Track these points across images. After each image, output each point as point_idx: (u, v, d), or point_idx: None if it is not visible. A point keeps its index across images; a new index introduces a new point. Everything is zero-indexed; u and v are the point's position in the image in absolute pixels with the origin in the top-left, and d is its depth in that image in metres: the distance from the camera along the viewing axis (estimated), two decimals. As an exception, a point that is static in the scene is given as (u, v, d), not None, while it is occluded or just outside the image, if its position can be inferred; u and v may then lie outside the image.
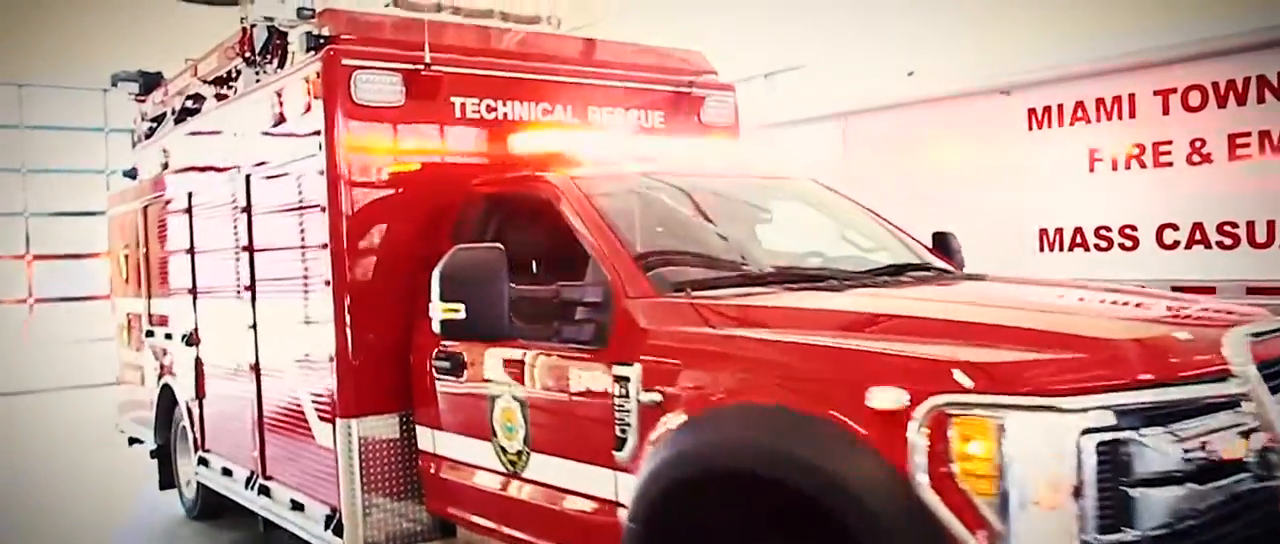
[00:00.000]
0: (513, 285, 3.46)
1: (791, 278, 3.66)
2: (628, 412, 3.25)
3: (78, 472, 8.92)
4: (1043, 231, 6.99)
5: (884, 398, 2.45)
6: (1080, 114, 6.62)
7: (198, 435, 6.30)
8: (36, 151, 10.92)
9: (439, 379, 4.24)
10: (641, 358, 3.22)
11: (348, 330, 4.47)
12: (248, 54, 6.18)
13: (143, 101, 8.06)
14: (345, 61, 4.52)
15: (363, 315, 4.48)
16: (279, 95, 4.95)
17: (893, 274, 3.90)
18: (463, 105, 4.81)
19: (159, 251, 6.95)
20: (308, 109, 4.68)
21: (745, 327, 3.11)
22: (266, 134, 5.13)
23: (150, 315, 7.14)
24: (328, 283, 4.51)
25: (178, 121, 7.24)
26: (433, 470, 4.37)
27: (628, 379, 3.25)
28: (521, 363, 3.74)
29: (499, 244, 3.50)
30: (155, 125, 7.84)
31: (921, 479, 2.34)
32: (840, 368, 2.71)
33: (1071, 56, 6.77)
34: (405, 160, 4.66)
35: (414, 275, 4.48)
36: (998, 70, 7.18)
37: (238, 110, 5.65)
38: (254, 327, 5.36)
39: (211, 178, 5.96)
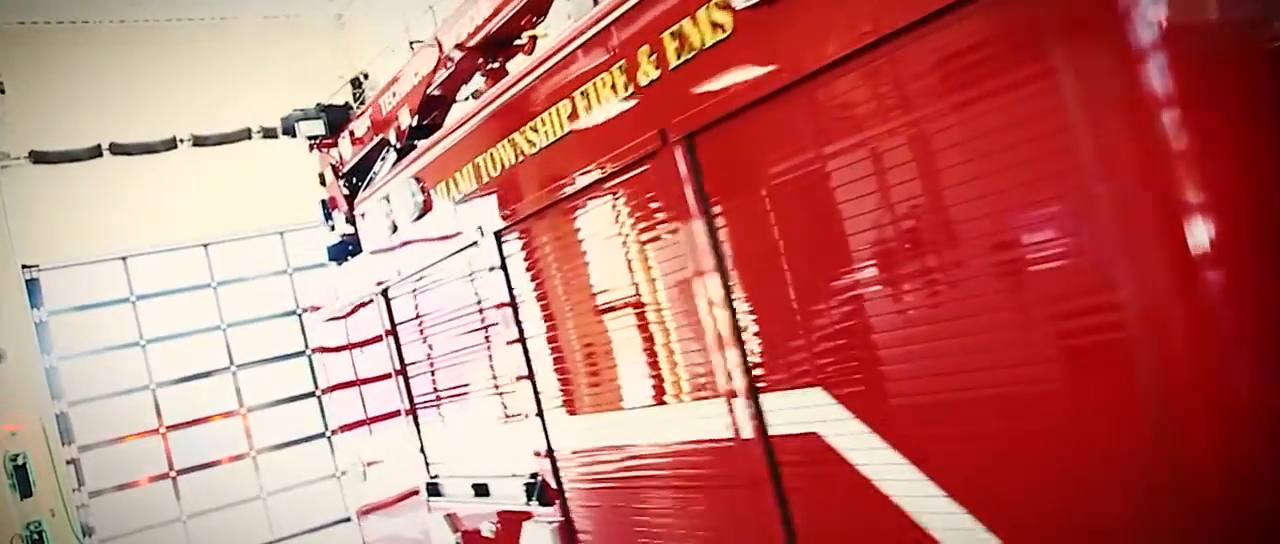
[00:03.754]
0: None
1: None
2: None
3: None
4: None
5: None
6: None
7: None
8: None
9: None
10: None
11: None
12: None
13: (330, 146, 5.48)
14: None
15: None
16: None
17: None
18: None
19: (430, 352, 4.23)
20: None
21: None
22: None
23: (426, 459, 4.41)
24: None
25: (402, 154, 4.63)
26: None
27: None
28: None
29: None
30: (358, 175, 5.27)
31: None
32: None
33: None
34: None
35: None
36: None
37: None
38: (771, 461, 2.58)
39: (530, 200, 3.26)
